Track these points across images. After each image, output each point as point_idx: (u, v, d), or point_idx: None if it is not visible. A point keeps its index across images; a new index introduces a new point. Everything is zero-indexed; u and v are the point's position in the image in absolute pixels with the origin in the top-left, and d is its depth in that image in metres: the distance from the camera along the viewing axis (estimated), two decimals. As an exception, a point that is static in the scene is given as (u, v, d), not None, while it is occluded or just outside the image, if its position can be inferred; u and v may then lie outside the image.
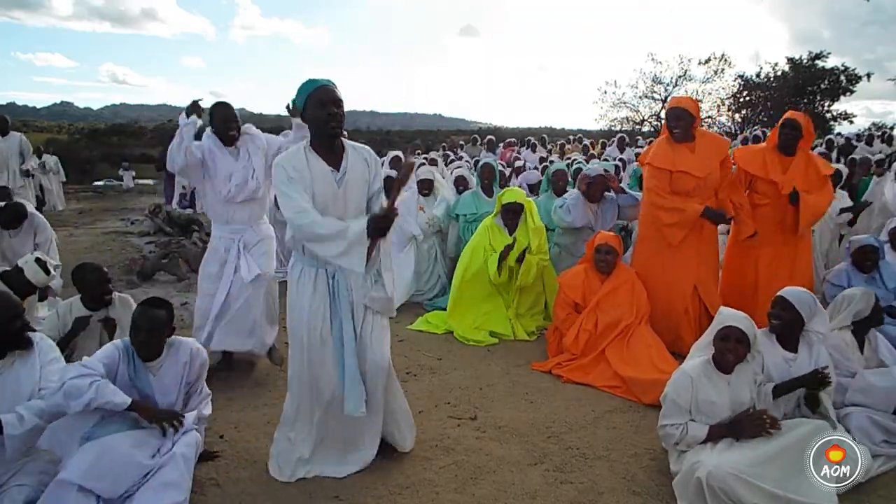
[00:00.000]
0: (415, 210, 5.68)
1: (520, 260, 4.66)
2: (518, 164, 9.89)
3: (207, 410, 2.80)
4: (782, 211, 4.12)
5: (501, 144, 13.86)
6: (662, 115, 26.56)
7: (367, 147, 2.64)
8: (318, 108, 2.40)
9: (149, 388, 2.60)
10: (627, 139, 14.20)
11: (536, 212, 4.90)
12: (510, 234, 4.79)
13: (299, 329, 2.58)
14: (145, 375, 2.60)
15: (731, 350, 2.65)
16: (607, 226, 4.91)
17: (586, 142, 15.17)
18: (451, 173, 7.93)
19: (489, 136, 13.37)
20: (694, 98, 4.64)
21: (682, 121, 4.04)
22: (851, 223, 5.59)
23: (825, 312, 3.00)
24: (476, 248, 4.83)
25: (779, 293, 2.93)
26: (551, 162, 8.25)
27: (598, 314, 4.05)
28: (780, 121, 4.15)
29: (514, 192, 4.88)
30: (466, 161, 9.33)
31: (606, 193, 5.00)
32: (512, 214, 4.79)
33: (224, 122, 3.64)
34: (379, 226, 2.35)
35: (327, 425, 2.69)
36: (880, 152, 10.72)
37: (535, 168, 8.84)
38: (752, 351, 2.72)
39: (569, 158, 10.24)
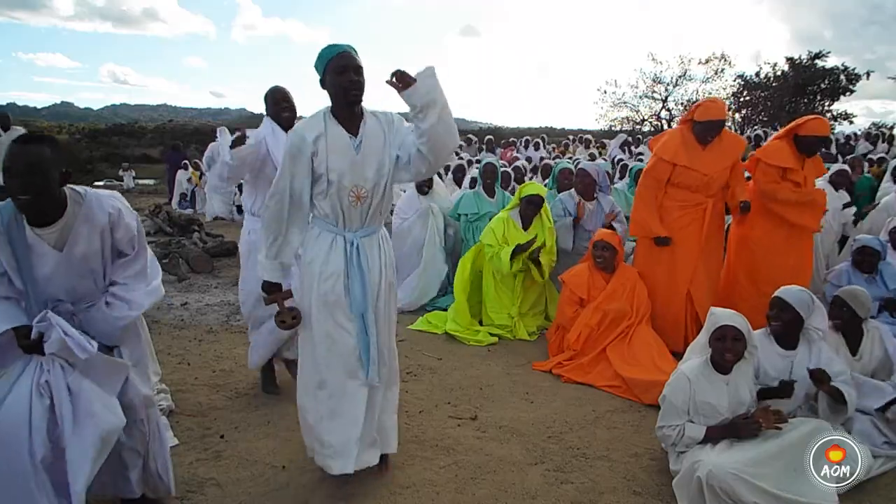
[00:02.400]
0: (416, 205, 5.70)
1: (535, 260, 4.66)
2: (519, 163, 9.91)
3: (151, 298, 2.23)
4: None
5: (501, 145, 13.88)
6: (663, 114, 26.64)
7: (388, 112, 2.58)
8: (339, 74, 2.36)
9: (45, 267, 2.00)
10: (630, 139, 14.21)
11: (549, 211, 4.92)
12: (524, 229, 4.79)
13: (311, 289, 2.50)
14: (41, 250, 1.99)
15: (729, 349, 2.65)
16: (599, 226, 4.94)
17: (587, 137, 15.21)
18: (450, 174, 7.95)
19: (488, 136, 13.39)
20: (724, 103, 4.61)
21: (721, 130, 4.09)
22: (856, 223, 5.58)
23: (823, 308, 3.00)
24: (484, 237, 4.84)
25: (776, 294, 2.93)
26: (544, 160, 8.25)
27: (602, 310, 4.05)
28: (811, 133, 4.06)
29: (536, 186, 4.90)
30: (468, 161, 9.34)
31: (598, 194, 5.07)
32: (533, 207, 4.79)
33: (275, 103, 3.43)
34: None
35: (338, 400, 2.55)
36: (881, 151, 10.72)
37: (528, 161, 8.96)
38: (748, 348, 2.72)
39: (571, 158, 10.25)
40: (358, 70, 2.38)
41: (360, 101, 2.43)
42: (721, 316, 2.71)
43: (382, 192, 2.51)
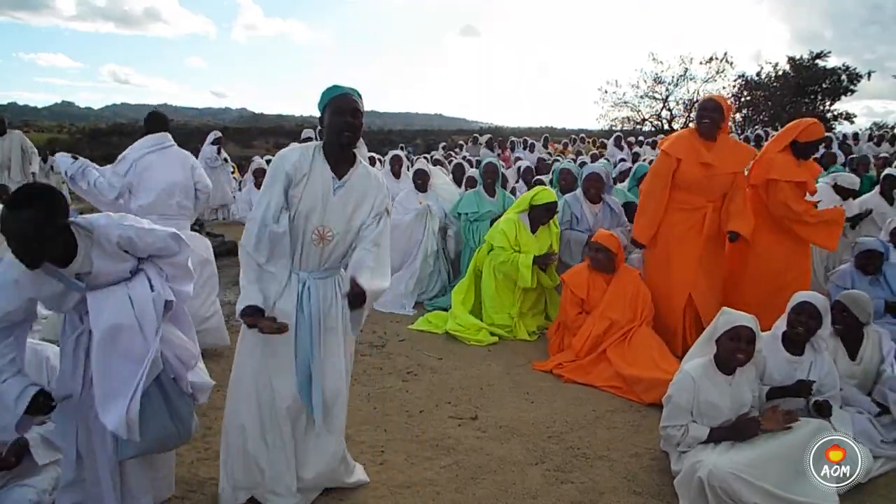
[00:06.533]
0: (416, 204, 5.72)
1: (544, 267, 4.65)
2: (521, 164, 9.90)
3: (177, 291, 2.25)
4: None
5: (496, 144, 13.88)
6: (664, 114, 26.64)
7: (381, 177, 2.56)
8: (336, 115, 2.35)
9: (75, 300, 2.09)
10: (624, 137, 14.23)
11: (557, 217, 4.90)
12: (532, 231, 4.76)
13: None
14: (72, 284, 2.07)
15: (742, 350, 2.64)
16: (606, 227, 4.92)
17: (565, 141, 15.27)
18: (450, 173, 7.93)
19: (487, 136, 13.40)
20: (725, 99, 4.60)
21: (714, 113, 4.04)
22: (853, 226, 5.57)
23: (829, 318, 3.00)
24: (493, 237, 4.80)
25: (806, 300, 2.87)
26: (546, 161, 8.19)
27: (609, 318, 4.03)
28: (809, 137, 4.06)
29: (550, 193, 4.81)
30: (467, 160, 9.35)
31: (603, 195, 5.04)
32: (549, 214, 4.74)
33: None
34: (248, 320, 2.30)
35: (277, 440, 2.46)
36: (885, 152, 10.71)
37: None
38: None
39: (567, 157, 10.22)
40: (355, 113, 2.36)
41: (354, 144, 2.40)
42: (737, 316, 2.68)
43: (350, 241, 2.46)
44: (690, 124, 4.28)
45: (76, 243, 2.02)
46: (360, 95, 2.40)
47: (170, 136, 4.32)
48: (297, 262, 2.44)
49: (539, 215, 4.73)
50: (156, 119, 4.31)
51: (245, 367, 2.46)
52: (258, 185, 6.67)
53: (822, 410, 2.75)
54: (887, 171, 6.13)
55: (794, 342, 2.91)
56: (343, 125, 2.34)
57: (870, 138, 13.36)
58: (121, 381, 2.05)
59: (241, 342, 2.50)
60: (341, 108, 2.35)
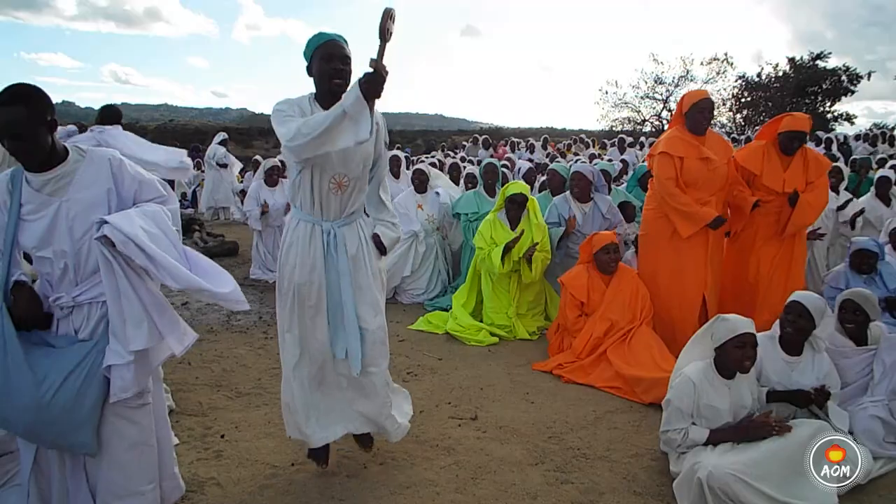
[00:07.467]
0: (413, 208, 5.70)
1: (528, 257, 4.65)
2: (521, 164, 9.91)
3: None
4: (782, 209, 4.12)
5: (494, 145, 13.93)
6: (664, 115, 26.60)
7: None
8: (324, 62, 2.35)
9: (44, 219, 2.00)
10: (631, 139, 14.25)
11: (538, 208, 4.92)
12: (512, 229, 4.81)
13: (291, 282, 2.50)
14: (39, 202, 2.01)
15: (749, 357, 2.64)
16: (596, 227, 4.91)
17: (568, 142, 15.29)
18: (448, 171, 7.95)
19: (485, 136, 13.48)
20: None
21: (713, 111, 4.13)
22: (852, 226, 5.58)
23: (831, 319, 2.98)
24: (475, 240, 4.93)
25: (795, 299, 2.87)
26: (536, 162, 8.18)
27: (609, 319, 4.04)
28: (784, 128, 4.07)
29: (519, 185, 4.92)
30: (469, 161, 9.36)
31: (594, 195, 5.05)
32: (517, 206, 4.82)
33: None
34: (371, 85, 2.11)
35: (321, 386, 2.62)
36: (882, 152, 10.71)
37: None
38: None
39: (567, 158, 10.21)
40: (345, 59, 2.37)
41: (344, 89, 2.36)
42: (739, 323, 2.67)
43: (364, 182, 2.55)
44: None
45: (67, 152, 2.05)
46: (346, 41, 2.39)
47: (121, 129, 4.66)
48: (319, 211, 2.47)
49: (510, 208, 4.85)
50: (109, 112, 4.55)
51: (286, 327, 2.56)
52: (270, 183, 6.64)
53: (821, 393, 2.76)
54: (880, 172, 6.13)
55: (790, 342, 2.91)
56: (332, 72, 2.34)
57: (865, 138, 13.39)
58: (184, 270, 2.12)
59: (279, 304, 2.59)
60: (330, 54, 2.35)
